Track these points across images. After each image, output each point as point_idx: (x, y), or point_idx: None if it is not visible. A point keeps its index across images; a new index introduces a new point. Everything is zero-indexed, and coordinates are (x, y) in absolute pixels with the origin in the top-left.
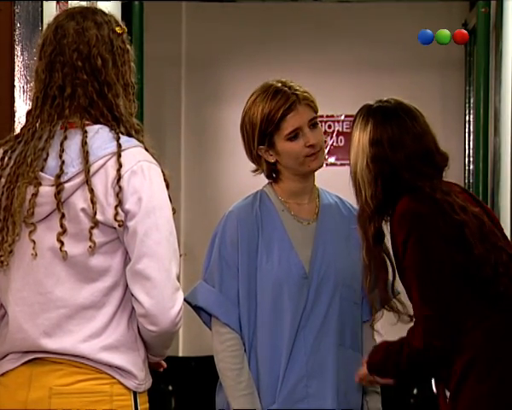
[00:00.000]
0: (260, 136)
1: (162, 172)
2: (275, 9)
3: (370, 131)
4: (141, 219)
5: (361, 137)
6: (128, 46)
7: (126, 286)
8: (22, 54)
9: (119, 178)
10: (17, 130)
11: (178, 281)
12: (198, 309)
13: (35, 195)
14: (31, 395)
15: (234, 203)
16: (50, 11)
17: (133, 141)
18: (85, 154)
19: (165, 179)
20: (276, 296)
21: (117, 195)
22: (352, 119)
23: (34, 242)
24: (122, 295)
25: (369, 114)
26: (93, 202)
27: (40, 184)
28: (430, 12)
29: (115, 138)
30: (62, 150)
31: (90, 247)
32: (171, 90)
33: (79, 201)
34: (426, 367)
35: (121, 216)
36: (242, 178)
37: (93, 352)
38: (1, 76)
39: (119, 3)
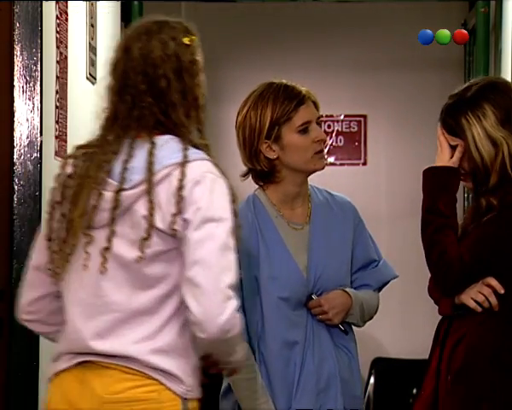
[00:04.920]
0: (269, 128)
1: (230, 186)
2: (274, 10)
3: (492, 112)
4: (196, 227)
5: (484, 125)
6: (197, 56)
7: (181, 298)
8: (22, 54)
9: (180, 187)
10: (16, 130)
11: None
12: None
13: (99, 199)
14: (83, 400)
15: None
16: (50, 11)
17: (201, 154)
18: (150, 163)
19: (232, 194)
20: (281, 307)
21: (177, 203)
22: (351, 118)
23: (94, 246)
24: (177, 303)
25: (478, 100)
26: (151, 212)
27: (104, 190)
28: (429, 12)
29: (183, 149)
30: (128, 158)
31: (139, 256)
32: None
33: (141, 208)
34: (446, 270)
35: (178, 225)
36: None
37: (142, 354)
38: (0, 76)
39: (119, 3)
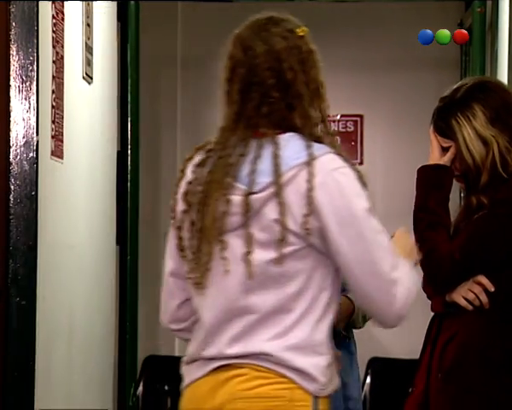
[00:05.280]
0: None
1: (358, 172)
2: (270, 9)
3: (482, 112)
4: (340, 232)
5: (474, 125)
6: (312, 46)
7: (315, 289)
8: (18, 53)
9: (309, 188)
10: (12, 129)
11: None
12: None
13: (228, 205)
14: (216, 401)
15: None
16: (46, 11)
17: (324, 148)
18: (277, 165)
19: (361, 179)
20: None
21: (308, 205)
22: (347, 118)
23: (229, 251)
24: (310, 298)
25: (468, 101)
26: (283, 214)
27: (233, 195)
28: (426, 12)
29: (306, 147)
30: (256, 161)
31: (276, 258)
32: (166, 89)
33: (271, 211)
34: (436, 268)
35: (311, 225)
36: None
37: (276, 350)
38: None
39: (115, 3)
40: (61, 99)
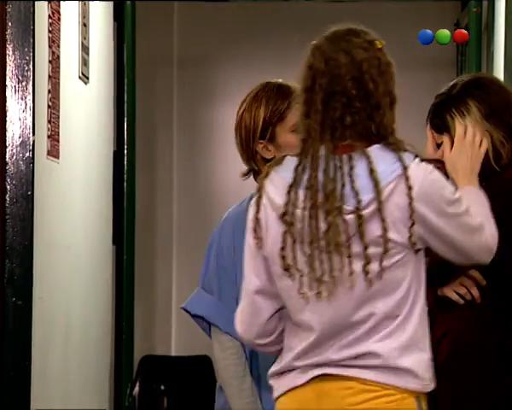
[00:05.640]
0: (263, 128)
1: (438, 168)
2: (267, 9)
3: (477, 108)
4: (442, 223)
5: (469, 120)
6: (390, 58)
7: (414, 292)
8: (14, 53)
9: (410, 200)
10: (8, 129)
11: (171, 277)
12: (196, 317)
13: (337, 222)
14: None
15: (229, 208)
16: (42, 10)
17: (409, 155)
18: (376, 181)
19: (440, 171)
20: None
21: (412, 217)
22: None
23: (341, 266)
24: (411, 301)
25: (463, 97)
26: (387, 229)
27: (341, 212)
28: (422, 12)
29: (397, 158)
30: (352, 177)
31: (384, 270)
32: (163, 89)
33: (376, 226)
34: None
35: (416, 235)
36: (234, 176)
37: (384, 350)
38: None
39: (111, 3)
40: (58, 99)
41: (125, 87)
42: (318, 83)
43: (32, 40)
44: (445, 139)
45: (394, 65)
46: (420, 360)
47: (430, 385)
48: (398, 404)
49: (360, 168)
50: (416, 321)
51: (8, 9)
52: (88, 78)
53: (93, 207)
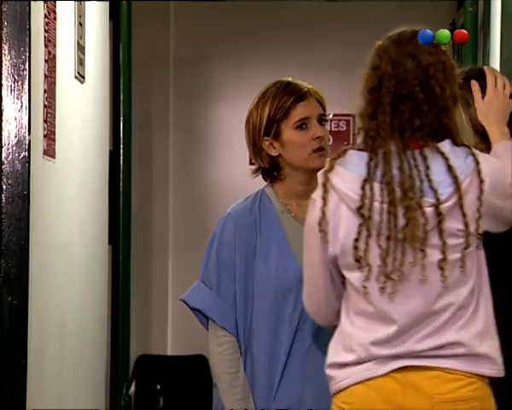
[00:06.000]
0: (268, 124)
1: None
2: (262, 8)
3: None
4: (502, 206)
5: (470, 112)
6: (453, 61)
7: (480, 281)
8: (10, 52)
9: (481, 192)
10: (4, 129)
11: (167, 276)
12: (195, 310)
13: (419, 216)
14: (410, 402)
15: (233, 204)
16: (38, 10)
17: (477, 151)
18: (455, 176)
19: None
20: (273, 300)
21: (479, 208)
22: (339, 118)
23: (423, 259)
24: (479, 290)
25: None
26: (467, 221)
27: (421, 206)
28: (418, 11)
29: (468, 153)
30: (429, 172)
31: (461, 262)
32: (159, 88)
33: (455, 219)
34: None
35: (484, 226)
36: (230, 175)
37: (466, 338)
38: None
39: (107, 3)
40: (53, 98)
41: (121, 86)
42: (386, 86)
43: (27, 39)
44: (475, 86)
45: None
46: (495, 347)
47: (503, 371)
48: (480, 392)
49: (436, 164)
50: (485, 309)
51: (4, 9)
52: (84, 77)
53: (89, 206)
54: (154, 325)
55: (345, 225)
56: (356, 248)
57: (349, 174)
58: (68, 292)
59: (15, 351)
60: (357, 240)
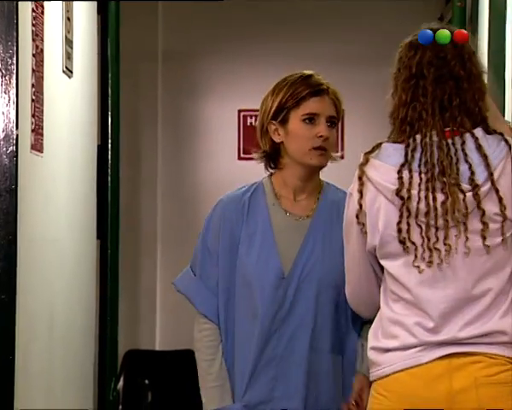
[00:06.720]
0: (278, 109)
1: None
2: (251, 5)
3: None
4: None
5: None
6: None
7: None
8: None
9: None
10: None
11: (156, 271)
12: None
13: (458, 201)
14: (455, 386)
15: (225, 193)
16: (25, 4)
17: (508, 137)
18: (488, 161)
19: None
20: (250, 293)
21: None
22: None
23: (462, 243)
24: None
25: None
26: (503, 205)
27: (459, 191)
28: (406, 6)
29: (501, 138)
30: (466, 158)
31: (502, 246)
32: (147, 83)
33: (491, 203)
34: None
35: None
36: (219, 171)
37: (508, 327)
38: None
39: (95, 3)
40: (41, 93)
41: (110, 81)
42: (426, 68)
43: (15, 34)
44: None
45: (378, 59)
46: None
47: None
48: None
49: (471, 148)
50: None
51: None
52: (72, 71)
53: (77, 200)
54: (142, 319)
55: (384, 216)
56: (400, 230)
57: (385, 166)
58: (56, 287)
59: (3, 346)
60: (399, 223)
